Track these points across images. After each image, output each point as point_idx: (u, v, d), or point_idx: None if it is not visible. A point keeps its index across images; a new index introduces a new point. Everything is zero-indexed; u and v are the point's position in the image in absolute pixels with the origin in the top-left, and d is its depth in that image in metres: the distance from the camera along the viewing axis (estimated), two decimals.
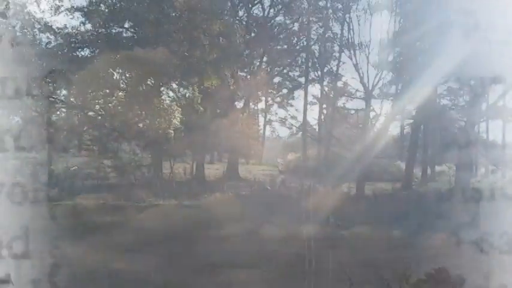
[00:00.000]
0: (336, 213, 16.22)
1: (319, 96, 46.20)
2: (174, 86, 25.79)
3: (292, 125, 54.97)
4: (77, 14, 23.15)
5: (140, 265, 10.03)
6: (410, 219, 15.92)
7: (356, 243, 12.56)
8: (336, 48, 39.88)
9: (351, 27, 27.24)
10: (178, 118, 22.68)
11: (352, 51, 26.70)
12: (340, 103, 48.33)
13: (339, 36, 34.17)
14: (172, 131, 22.28)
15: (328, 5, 34.59)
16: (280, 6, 36.60)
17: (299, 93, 55.66)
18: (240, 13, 32.69)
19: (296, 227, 14.50)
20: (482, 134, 38.08)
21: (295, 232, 13.61)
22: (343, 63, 43.00)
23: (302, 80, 47.49)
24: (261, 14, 34.62)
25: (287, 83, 51.07)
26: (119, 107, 23.68)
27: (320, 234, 13.66)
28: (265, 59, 39.47)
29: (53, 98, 22.05)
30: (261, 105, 52.40)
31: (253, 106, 45.44)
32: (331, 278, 9.61)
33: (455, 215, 15.37)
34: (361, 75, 26.47)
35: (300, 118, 50.27)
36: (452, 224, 14.08)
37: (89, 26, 23.19)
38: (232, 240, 12.77)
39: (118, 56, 22.45)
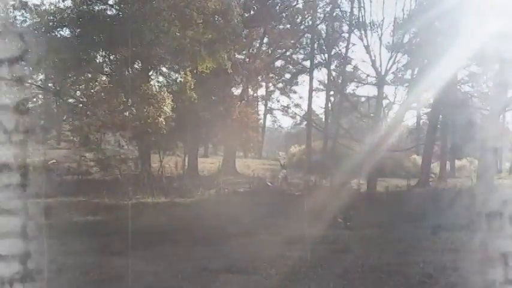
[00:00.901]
0: (345, 212, 16.19)
1: (326, 81, 46.39)
2: (164, 70, 25.77)
3: (295, 114, 55.28)
4: None
5: (124, 270, 10.00)
6: (427, 220, 15.92)
7: (367, 246, 12.54)
8: (345, 28, 39.99)
9: (362, 5, 27.07)
10: (168, 106, 22.62)
11: (363, 32, 26.55)
12: (349, 90, 48.59)
13: (348, 14, 34.20)
14: (162, 121, 22.23)
15: None
16: None
17: (303, 79, 55.61)
18: None
19: (300, 227, 14.50)
20: (507, 124, 38.09)
21: (298, 233, 13.60)
22: (353, 44, 43.17)
23: (307, 63, 47.65)
24: None
25: (290, 67, 51.24)
26: (102, 94, 23.69)
27: (327, 236, 13.66)
28: (265, 40, 39.57)
29: (29, 83, 21.96)
30: (261, 91, 52.53)
31: (252, 93, 45.55)
32: (338, 285, 9.60)
33: (477, 215, 15.37)
34: (373, 58, 26.35)
35: (305, 106, 50.55)
36: (474, 226, 14.06)
37: (68, 3, 22.98)
38: (228, 242, 12.76)
39: (101, 36, 22.38)
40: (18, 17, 22.47)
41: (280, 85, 53.24)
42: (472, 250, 11.44)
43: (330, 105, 46.28)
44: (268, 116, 57.88)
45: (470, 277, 9.66)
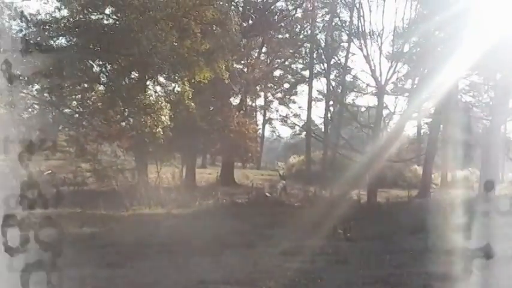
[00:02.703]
0: (345, 224, 16.17)
1: (325, 91, 46.54)
2: (162, 79, 25.80)
3: (294, 124, 55.55)
4: None
5: (119, 282, 9.98)
6: (428, 231, 15.89)
7: (367, 258, 12.52)
8: (345, 37, 40.18)
9: (362, 14, 27.12)
10: (166, 116, 22.66)
11: (362, 41, 26.60)
12: (349, 99, 48.75)
13: (347, 23, 34.31)
14: (159, 131, 22.25)
15: None
16: None
17: (303, 88, 55.88)
18: None
19: (299, 239, 14.48)
20: (509, 134, 38.26)
21: (297, 245, 13.59)
22: (353, 54, 43.45)
23: (306, 73, 47.89)
24: None
25: (289, 76, 51.43)
26: (99, 104, 23.72)
27: (326, 248, 13.63)
28: (264, 49, 39.70)
29: (24, 93, 22.01)
30: (260, 101, 52.67)
31: (250, 103, 45.64)
32: None
33: (479, 226, 15.36)
34: (373, 68, 26.39)
35: (304, 116, 50.74)
36: (476, 236, 14.05)
37: (65, 12, 23.07)
38: (226, 254, 12.72)
39: (98, 46, 22.45)
40: (14, 27, 22.55)
41: (279, 95, 53.41)
42: (473, 261, 11.44)
43: (329, 115, 46.37)
44: (267, 126, 58.00)
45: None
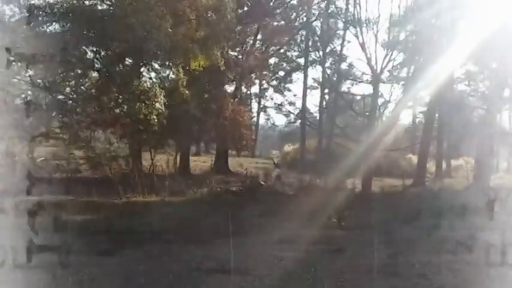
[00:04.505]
0: (339, 212, 16.21)
1: (321, 79, 46.57)
2: (156, 66, 25.70)
3: (289, 112, 55.68)
4: None
5: (113, 269, 9.97)
6: (422, 220, 15.96)
7: (361, 247, 12.55)
8: (340, 25, 40.23)
9: (358, 1, 27.03)
10: (160, 103, 22.59)
11: (358, 29, 26.52)
12: (344, 87, 48.77)
13: (343, 11, 34.24)
14: (153, 118, 22.20)
15: None
16: None
17: (298, 76, 55.99)
18: None
19: (293, 227, 14.50)
20: (504, 124, 38.33)
21: (292, 233, 13.61)
22: (348, 42, 43.62)
23: (301, 61, 47.90)
24: None
25: (284, 64, 51.44)
26: (93, 90, 23.62)
27: (321, 237, 13.65)
28: (259, 36, 39.60)
29: (17, 78, 21.91)
30: (255, 89, 52.72)
31: (245, 90, 45.64)
32: (333, 286, 9.60)
33: (473, 216, 15.42)
34: (369, 56, 26.33)
35: (299, 104, 50.86)
36: (469, 227, 14.12)
37: None
38: (220, 242, 12.73)
39: (92, 31, 22.31)
40: (7, 12, 22.41)
41: (274, 83, 53.50)
42: (468, 250, 11.50)
43: (324, 103, 46.45)
44: (262, 114, 58.10)
45: (466, 278, 9.70)
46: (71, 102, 23.86)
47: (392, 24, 26.97)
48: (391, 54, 26.96)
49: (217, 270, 10.02)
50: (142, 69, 25.28)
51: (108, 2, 24.21)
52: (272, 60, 46.91)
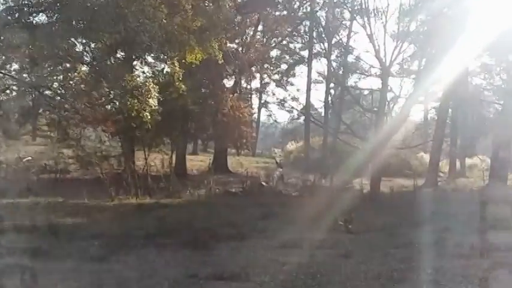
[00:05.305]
0: (346, 215, 16.19)
1: (326, 73, 46.59)
2: (150, 59, 25.72)
3: (292, 107, 55.73)
4: None
5: (104, 276, 9.98)
6: (435, 223, 15.95)
7: (370, 251, 12.54)
8: (347, 15, 40.13)
9: None
10: (154, 98, 22.56)
11: (366, 19, 26.50)
12: (351, 82, 48.85)
13: (350, 0, 34.13)
14: (147, 115, 22.18)
15: None
16: None
17: (301, 70, 56.05)
18: None
19: (297, 231, 14.50)
20: None
21: (295, 237, 13.60)
22: (355, 33, 43.46)
23: (305, 53, 47.94)
24: None
25: (287, 57, 51.43)
26: (82, 85, 23.62)
27: (326, 240, 13.65)
28: (260, 27, 39.63)
29: (1, 73, 21.91)
30: (255, 83, 52.67)
31: (245, 85, 45.65)
32: None
33: (490, 218, 15.41)
34: (377, 48, 26.31)
35: (303, 100, 50.90)
36: (485, 230, 14.11)
37: None
38: (219, 247, 12.74)
39: (81, 22, 22.28)
40: None
41: (276, 77, 53.42)
42: (483, 255, 11.49)
43: (330, 98, 46.41)
44: (263, 110, 58.12)
45: (479, 284, 9.69)
46: (59, 98, 23.85)
47: (402, 13, 26.98)
48: (401, 46, 26.96)
49: (215, 277, 10.01)
50: (135, 63, 25.31)
51: None
52: (274, 53, 46.97)
